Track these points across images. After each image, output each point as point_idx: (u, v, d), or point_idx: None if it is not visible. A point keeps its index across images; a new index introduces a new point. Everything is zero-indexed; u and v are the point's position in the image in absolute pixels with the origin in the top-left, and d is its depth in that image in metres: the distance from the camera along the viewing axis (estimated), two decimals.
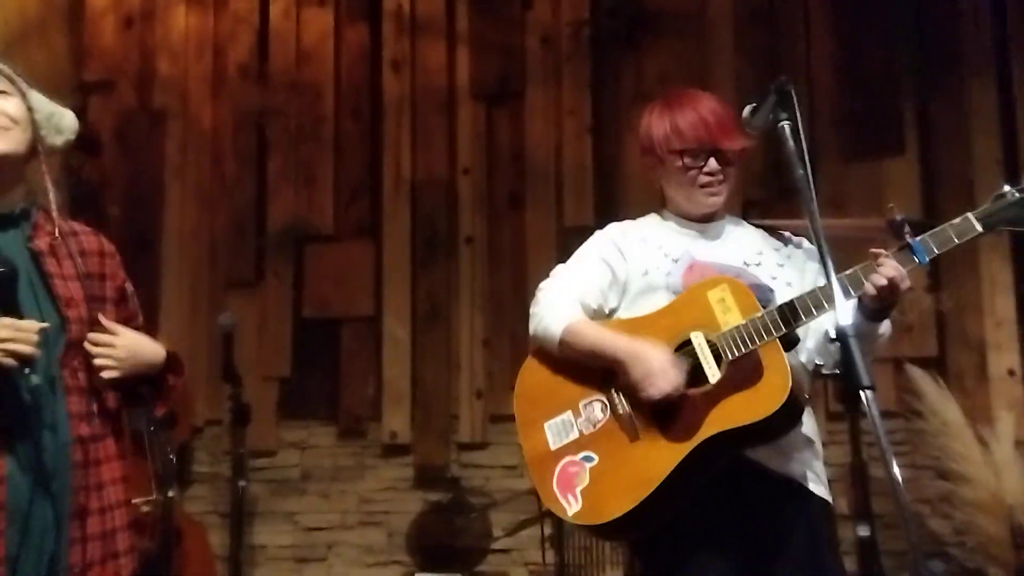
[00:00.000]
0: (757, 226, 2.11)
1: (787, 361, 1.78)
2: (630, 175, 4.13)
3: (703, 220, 2.05)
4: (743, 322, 1.82)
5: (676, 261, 1.98)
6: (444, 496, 4.00)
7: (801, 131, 1.76)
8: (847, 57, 4.01)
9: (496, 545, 3.87)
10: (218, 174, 4.44)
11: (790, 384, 1.75)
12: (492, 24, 4.31)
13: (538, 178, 4.20)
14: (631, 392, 1.85)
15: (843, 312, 1.59)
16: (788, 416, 1.78)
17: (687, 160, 1.98)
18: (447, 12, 4.36)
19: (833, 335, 1.57)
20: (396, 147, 4.31)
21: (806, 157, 1.73)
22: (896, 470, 1.46)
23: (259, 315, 4.30)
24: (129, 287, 1.89)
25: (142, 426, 3.09)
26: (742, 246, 2.03)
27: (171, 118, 4.50)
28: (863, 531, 1.50)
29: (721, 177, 1.99)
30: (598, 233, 2.11)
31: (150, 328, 4.08)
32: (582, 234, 3.93)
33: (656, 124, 2.02)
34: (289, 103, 4.39)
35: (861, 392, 1.51)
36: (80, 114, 4.98)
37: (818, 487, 1.91)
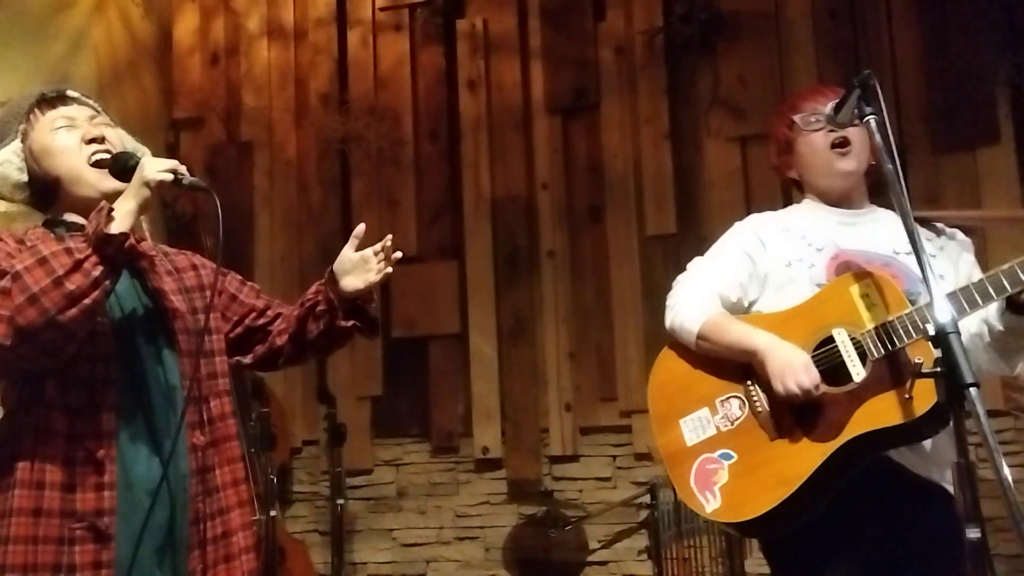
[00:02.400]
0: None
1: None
2: (711, 181, 4.09)
3: (848, 204, 2.01)
4: (890, 319, 1.77)
5: (820, 251, 1.94)
6: (538, 509, 4.00)
7: (888, 125, 1.72)
8: (933, 47, 3.89)
9: (592, 557, 3.85)
10: (304, 201, 4.56)
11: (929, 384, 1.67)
12: (565, 38, 4.33)
13: (617, 189, 4.18)
14: (771, 389, 1.83)
15: (942, 309, 1.54)
16: (938, 418, 1.71)
17: (808, 127, 1.97)
18: (520, 29, 4.39)
19: (932, 332, 1.52)
20: (475, 166, 4.36)
21: (895, 151, 1.68)
22: (1006, 471, 1.40)
23: None
24: (235, 275, 1.94)
25: (243, 448, 3.18)
26: (892, 234, 1.95)
27: (258, 149, 4.64)
28: (973, 533, 1.44)
29: (845, 136, 1.95)
30: (738, 224, 2.09)
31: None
32: (664, 243, 4.00)
33: (777, 118, 2.07)
34: (369, 128, 4.48)
35: (966, 390, 1.45)
36: (172, 150, 5.20)
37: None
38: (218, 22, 4.75)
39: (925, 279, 1.59)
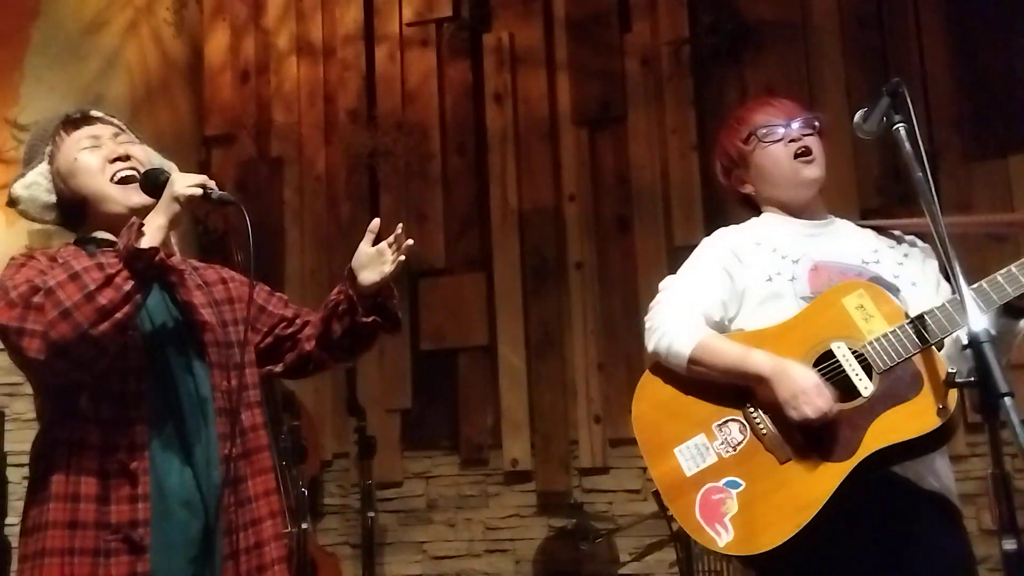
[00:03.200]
0: (863, 227, 2.02)
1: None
2: None
3: (809, 215, 1.97)
4: (891, 329, 1.73)
5: (796, 263, 1.89)
6: (568, 522, 3.99)
7: (918, 133, 1.70)
8: (963, 53, 3.85)
9: (623, 570, 3.83)
10: (334, 216, 4.60)
11: (955, 393, 1.64)
12: (591, 50, 4.34)
13: (645, 199, 4.18)
14: (775, 410, 1.75)
15: (976, 317, 1.51)
16: (953, 428, 1.68)
17: (767, 139, 1.95)
18: (546, 42, 4.41)
19: (966, 341, 1.50)
20: (502, 178, 4.38)
21: (924, 159, 1.65)
22: None
23: (378, 349, 4.41)
24: (264, 286, 1.96)
25: (274, 460, 3.20)
26: (857, 244, 1.94)
27: (288, 165, 4.69)
28: (1009, 545, 1.42)
29: (807, 144, 1.94)
30: (708, 240, 2.03)
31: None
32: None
33: (727, 133, 2.06)
34: (397, 143, 4.52)
35: (1000, 400, 1.42)
36: (204, 167, 5.27)
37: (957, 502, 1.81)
38: (248, 40, 4.82)
39: (957, 287, 1.55)
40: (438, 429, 4.32)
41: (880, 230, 2.00)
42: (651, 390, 1.91)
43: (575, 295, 4.22)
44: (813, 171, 1.95)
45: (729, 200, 2.19)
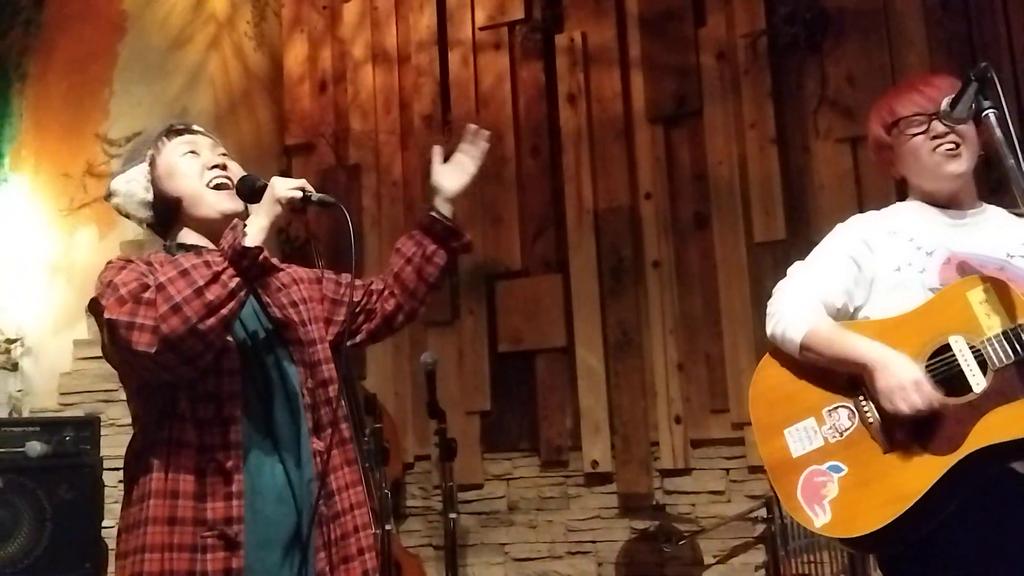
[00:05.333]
0: (1020, 215, 1.93)
1: None
2: (820, 184, 3.98)
3: (956, 205, 1.92)
4: (1012, 326, 1.69)
5: (930, 254, 1.85)
6: (650, 524, 3.96)
7: (1009, 118, 1.64)
8: None
9: (708, 573, 3.78)
10: (411, 221, 4.63)
11: None
12: (665, 46, 4.30)
13: (723, 196, 4.12)
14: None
15: None
16: None
17: (909, 131, 1.89)
18: (619, 40, 4.38)
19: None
20: (577, 179, 4.36)
21: (1016, 145, 1.60)
22: None
23: (457, 352, 4.45)
24: (324, 272, 2.04)
25: (356, 452, 3.25)
26: (1005, 236, 1.87)
27: (365, 171, 4.77)
28: None
29: (953, 139, 1.87)
30: (841, 226, 2.00)
31: (361, 366, 4.27)
32: (773, 250, 3.91)
33: (874, 116, 1.98)
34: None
35: None
36: (284, 175, 5.37)
37: None
38: (325, 51, 4.92)
39: None
40: (517, 431, 4.33)
41: None
42: (768, 372, 1.95)
43: (653, 295, 4.18)
44: (958, 166, 1.89)
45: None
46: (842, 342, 1.82)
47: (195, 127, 1.93)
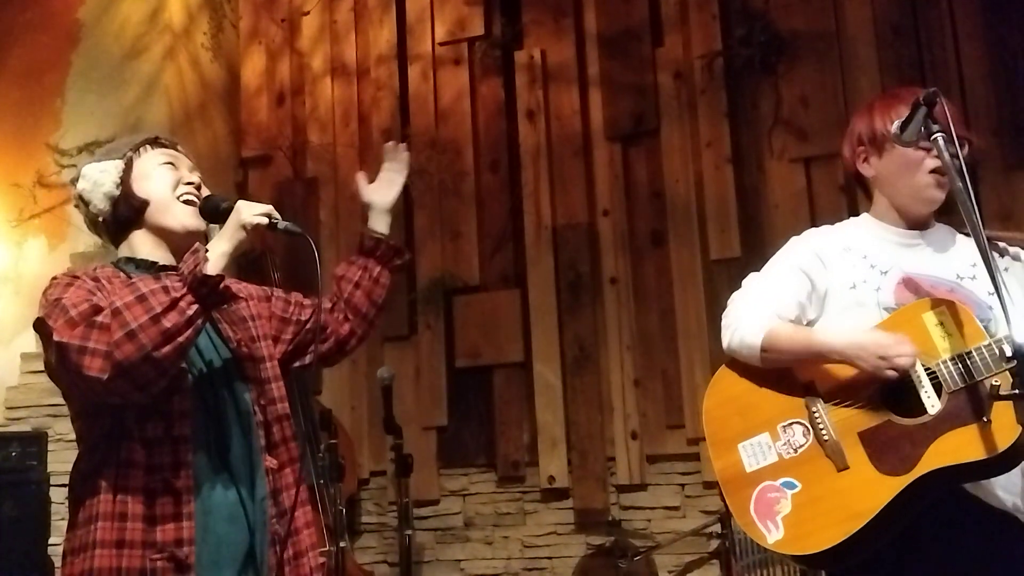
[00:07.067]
0: (967, 235, 1.92)
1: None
2: (775, 203, 4.04)
3: (916, 226, 1.91)
4: (968, 350, 1.70)
5: (885, 274, 1.86)
6: (606, 540, 3.96)
7: (956, 141, 1.67)
8: (1001, 61, 3.80)
9: None
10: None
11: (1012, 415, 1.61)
12: (623, 65, 4.34)
13: (679, 213, 4.16)
14: (837, 415, 1.77)
15: (1020, 329, 1.48)
16: (1018, 451, 1.64)
17: (921, 142, 1.77)
18: (578, 58, 4.42)
19: (1009, 353, 1.46)
20: (535, 195, 4.38)
21: (964, 168, 1.64)
22: None
23: (414, 367, 4.43)
24: (274, 290, 2.02)
25: (312, 480, 3.22)
26: (956, 258, 1.89)
27: (323, 185, 4.74)
28: None
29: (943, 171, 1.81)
30: (795, 239, 1.99)
31: (316, 381, 4.22)
32: (729, 267, 3.95)
33: (879, 114, 1.89)
34: (431, 161, 4.55)
35: None
36: (241, 188, 5.31)
37: None
38: (284, 63, 4.89)
39: (1000, 297, 1.52)
40: (474, 446, 4.32)
41: (989, 241, 1.92)
42: (723, 385, 1.95)
43: (610, 311, 4.21)
44: (941, 195, 1.87)
45: (847, 180, 2.03)
46: (807, 336, 1.83)
47: (179, 147, 1.92)
